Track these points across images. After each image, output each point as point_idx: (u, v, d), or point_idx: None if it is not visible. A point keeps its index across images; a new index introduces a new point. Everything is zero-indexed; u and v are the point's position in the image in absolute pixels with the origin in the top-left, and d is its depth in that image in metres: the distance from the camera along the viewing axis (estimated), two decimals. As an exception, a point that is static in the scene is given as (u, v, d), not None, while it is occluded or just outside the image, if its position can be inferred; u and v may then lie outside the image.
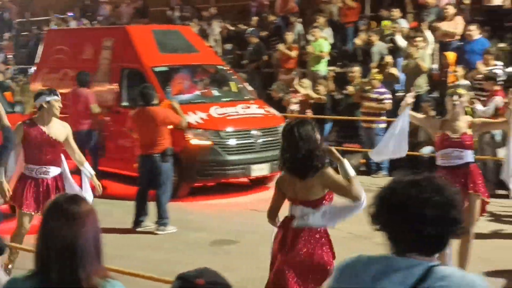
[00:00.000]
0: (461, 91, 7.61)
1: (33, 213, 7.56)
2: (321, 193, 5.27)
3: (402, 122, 7.67)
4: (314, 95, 14.76)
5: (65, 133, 7.67)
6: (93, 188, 7.84)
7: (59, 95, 7.62)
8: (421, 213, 2.49)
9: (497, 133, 11.37)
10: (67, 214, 2.82)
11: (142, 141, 9.98)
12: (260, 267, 8.09)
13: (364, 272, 2.55)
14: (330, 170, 5.28)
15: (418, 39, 14.16)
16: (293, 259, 5.22)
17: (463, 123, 7.36)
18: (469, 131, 7.33)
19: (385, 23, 16.13)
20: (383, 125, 13.22)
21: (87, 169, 7.84)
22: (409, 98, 7.84)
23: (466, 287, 2.44)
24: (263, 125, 12.45)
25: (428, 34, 14.38)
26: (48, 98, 7.45)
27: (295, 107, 14.89)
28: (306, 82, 15.23)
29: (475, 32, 13.75)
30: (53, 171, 7.60)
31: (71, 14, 24.20)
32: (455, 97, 7.37)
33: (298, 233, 5.27)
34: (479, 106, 11.48)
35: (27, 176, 7.55)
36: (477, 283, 2.47)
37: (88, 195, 7.63)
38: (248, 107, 12.80)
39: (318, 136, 5.31)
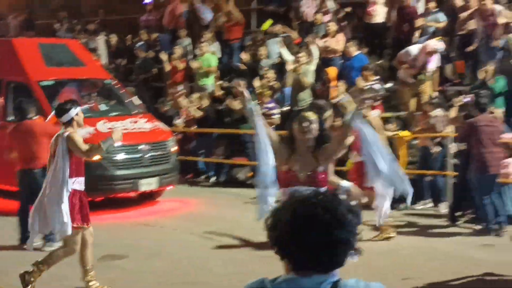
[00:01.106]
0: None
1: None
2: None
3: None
4: (196, 112, 15.00)
5: None
6: None
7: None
8: (305, 232, 2.32)
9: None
10: None
11: (22, 156, 9.83)
12: (148, 282, 8.22)
13: None
14: None
15: (300, 54, 14.59)
16: None
17: None
18: None
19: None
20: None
21: None
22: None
23: None
24: (151, 139, 12.55)
25: (314, 49, 14.80)
26: (76, 110, 7.58)
27: (180, 121, 15.09)
28: (195, 97, 15.42)
29: (354, 49, 14.40)
30: None
31: None
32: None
33: None
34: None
35: (78, 191, 7.53)
36: None
37: None
38: (136, 122, 12.85)
39: None
